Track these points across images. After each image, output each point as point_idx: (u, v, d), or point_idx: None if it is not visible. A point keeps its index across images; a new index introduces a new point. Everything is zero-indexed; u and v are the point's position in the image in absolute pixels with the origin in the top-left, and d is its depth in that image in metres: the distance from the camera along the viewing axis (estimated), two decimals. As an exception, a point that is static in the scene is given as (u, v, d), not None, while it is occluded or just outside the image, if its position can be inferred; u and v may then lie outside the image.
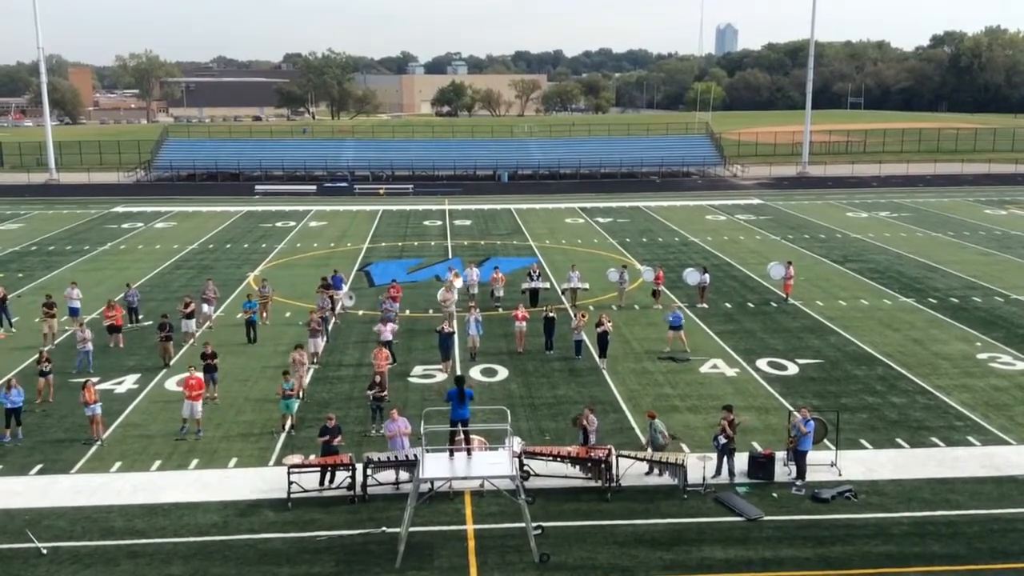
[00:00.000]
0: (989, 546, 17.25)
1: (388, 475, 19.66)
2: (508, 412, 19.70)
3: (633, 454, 20.21)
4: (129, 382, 26.83)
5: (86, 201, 68.85)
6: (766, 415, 23.87)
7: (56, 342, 30.52)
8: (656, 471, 20.00)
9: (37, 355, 25.77)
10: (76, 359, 27.81)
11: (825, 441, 20.75)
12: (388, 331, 28.37)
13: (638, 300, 36.24)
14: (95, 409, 22.34)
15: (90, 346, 27.80)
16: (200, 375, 23.44)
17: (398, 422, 20.24)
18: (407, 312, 34.10)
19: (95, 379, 25.04)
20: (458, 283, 34.67)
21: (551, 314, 29.81)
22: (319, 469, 19.61)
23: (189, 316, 30.56)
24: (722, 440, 20.16)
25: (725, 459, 20.14)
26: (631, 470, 20.00)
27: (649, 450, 20.51)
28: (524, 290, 35.55)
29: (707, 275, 36.27)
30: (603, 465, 19.44)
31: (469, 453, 18.26)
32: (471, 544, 17.38)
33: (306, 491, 19.19)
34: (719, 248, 48.23)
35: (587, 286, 36.16)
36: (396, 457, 19.47)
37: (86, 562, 16.82)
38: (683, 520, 18.30)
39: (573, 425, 21.49)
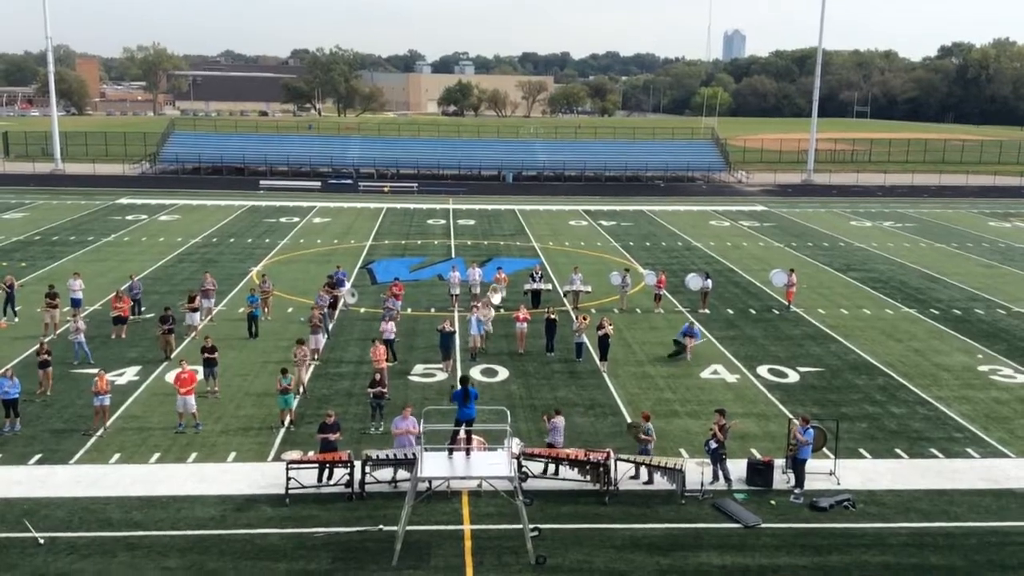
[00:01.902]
0: (987, 558, 17.24)
1: (386, 473, 19.69)
2: (508, 413, 19.71)
3: (632, 458, 20.21)
4: (130, 374, 26.85)
5: (91, 192, 68.96)
6: (766, 422, 23.85)
7: (57, 332, 30.56)
8: (647, 475, 19.98)
9: (37, 346, 25.78)
10: (74, 350, 27.85)
11: (824, 450, 20.75)
12: (390, 330, 28.40)
13: (640, 304, 36.24)
14: (104, 400, 22.37)
15: (81, 337, 27.73)
16: (192, 369, 23.41)
17: (408, 420, 20.21)
18: (409, 311, 34.11)
19: (95, 371, 25.02)
20: (496, 299, 33.58)
21: (553, 316, 29.80)
22: (317, 465, 19.63)
23: (194, 310, 30.65)
24: (712, 445, 20.15)
25: (718, 464, 20.11)
26: (629, 473, 20.02)
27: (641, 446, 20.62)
28: (526, 291, 35.56)
29: (709, 280, 36.29)
30: (601, 468, 19.44)
31: (468, 453, 18.26)
32: (468, 544, 17.39)
33: (304, 487, 19.20)
34: (722, 254, 48.21)
35: (589, 289, 36.14)
36: (395, 455, 19.48)
37: (83, 552, 16.84)
38: (680, 525, 18.29)
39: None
